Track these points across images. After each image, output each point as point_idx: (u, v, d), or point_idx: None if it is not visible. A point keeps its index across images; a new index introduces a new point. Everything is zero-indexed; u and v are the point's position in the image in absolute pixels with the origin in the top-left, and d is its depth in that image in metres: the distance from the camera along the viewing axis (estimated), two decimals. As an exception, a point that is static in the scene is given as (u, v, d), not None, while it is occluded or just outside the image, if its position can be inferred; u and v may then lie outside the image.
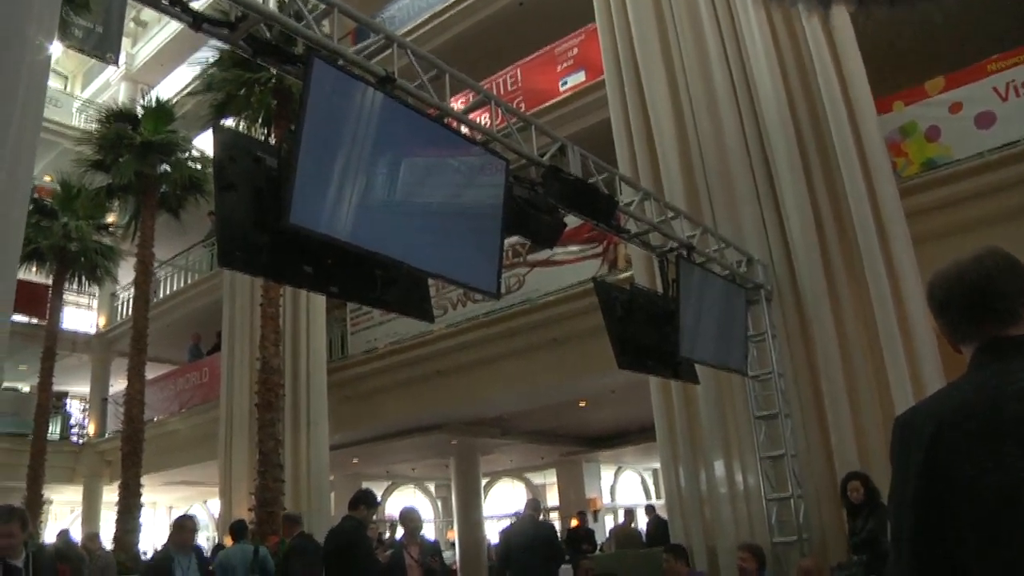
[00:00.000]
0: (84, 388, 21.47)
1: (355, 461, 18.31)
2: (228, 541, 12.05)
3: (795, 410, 8.05)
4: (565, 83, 12.65)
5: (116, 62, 14.20)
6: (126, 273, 17.53)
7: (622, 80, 9.90)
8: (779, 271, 8.37)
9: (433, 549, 7.85)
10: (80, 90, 25.14)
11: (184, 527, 6.48)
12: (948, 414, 1.39)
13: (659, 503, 15.18)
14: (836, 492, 7.20)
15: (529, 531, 8.57)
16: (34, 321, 18.50)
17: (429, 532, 22.60)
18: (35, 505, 15.15)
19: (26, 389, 20.73)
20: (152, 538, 17.22)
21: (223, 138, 4.10)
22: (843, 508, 6.86)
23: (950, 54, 9.10)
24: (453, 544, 18.50)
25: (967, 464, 1.33)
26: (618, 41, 10.03)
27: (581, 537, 14.48)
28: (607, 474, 22.61)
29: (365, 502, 6.69)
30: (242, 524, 8.90)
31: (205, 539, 19.83)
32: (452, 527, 20.31)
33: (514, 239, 9.25)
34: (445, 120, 4.97)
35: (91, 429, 20.71)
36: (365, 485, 12.17)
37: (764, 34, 8.70)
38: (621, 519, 17.73)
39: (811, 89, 8.46)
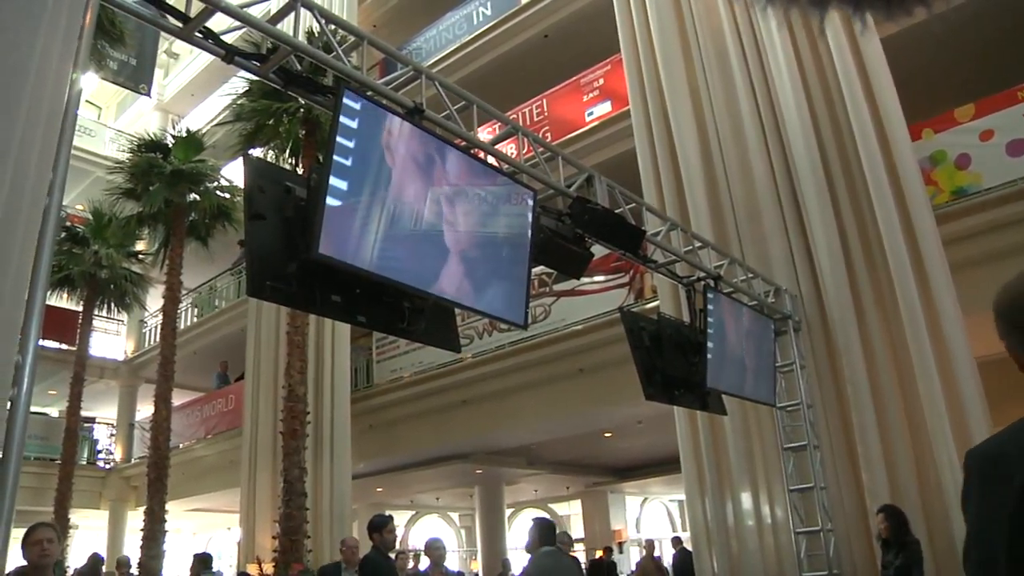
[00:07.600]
0: (111, 413, 21.65)
1: (379, 490, 18.27)
2: (251, 569, 12.07)
3: (824, 442, 7.94)
4: (591, 113, 12.67)
5: (148, 93, 14.46)
6: (154, 300, 17.70)
7: (648, 110, 9.91)
8: (807, 301, 8.29)
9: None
10: (113, 120, 25.56)
11: None
12: None
13: (685, 535, 14.97)
14: (867, 526, 7.08)
15: (554, 563, 8.44)
16: (64, 347, 18.71)
17: (453, 562, 22.46)
18: (62, 530, 15.22)
19: (55, 414, 20.93)
20: (176, 565, 17.16)
21: (254, 168, 4.13)
22: (876, 541, 6.74)
23: (978, 81, 9.04)
24: (476, 574, 18.35)
25: None
26: (644, 72, 10.05)
27: (603, 570, 14.31)
28: (633, 505, 22.37)
29: (377, 528, 6.43)
30: (207, 556, 9.10)
31: (228, 566, 19.81)
32: (476, 557, 20.17)
33: (539, 268, 9.24)
34: (472, 150, 4.98)
35: (118, 454, 20.87)
36: (388, 513, 12.10)
37: (791, 63, 8.68)
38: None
39: (838, 118, 8.42)
